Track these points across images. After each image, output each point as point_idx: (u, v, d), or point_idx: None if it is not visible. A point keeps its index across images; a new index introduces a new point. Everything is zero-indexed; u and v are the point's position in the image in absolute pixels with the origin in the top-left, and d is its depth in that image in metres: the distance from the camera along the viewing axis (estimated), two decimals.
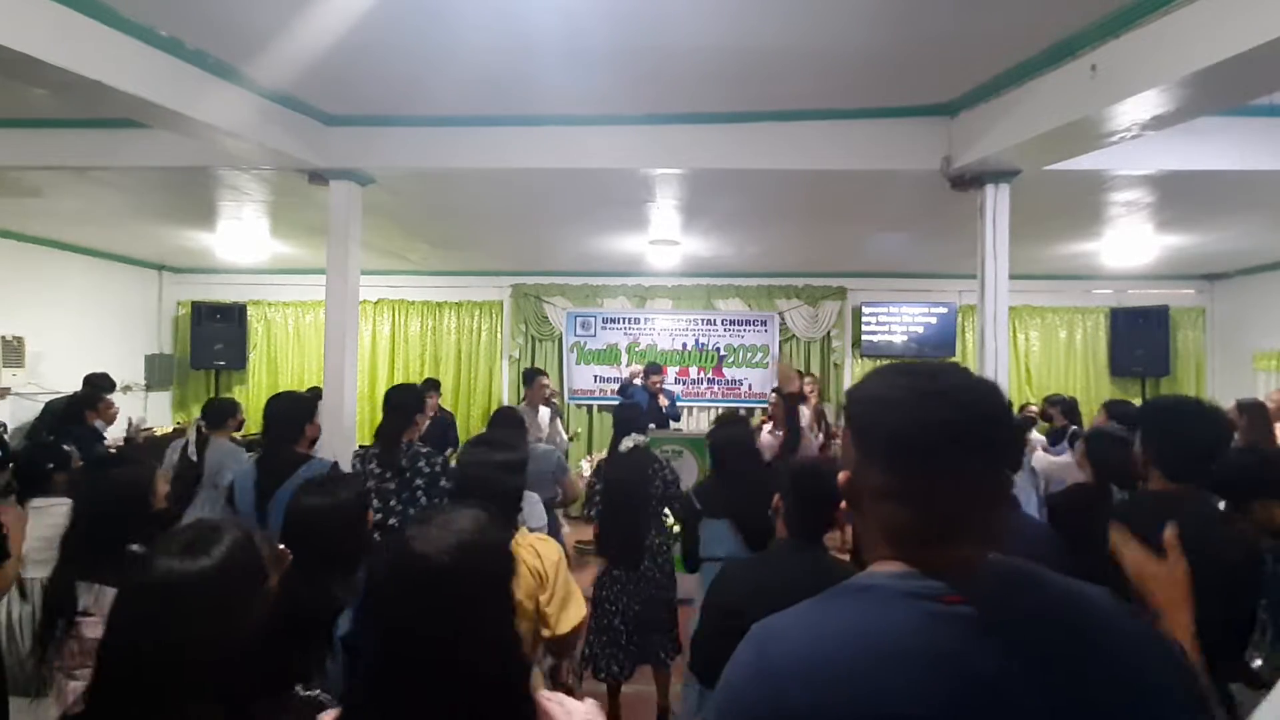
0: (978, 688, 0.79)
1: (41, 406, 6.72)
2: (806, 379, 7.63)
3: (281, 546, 1.53)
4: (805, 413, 7.04)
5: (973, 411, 0.85)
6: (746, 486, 3.03)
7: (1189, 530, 1.92)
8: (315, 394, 6.24)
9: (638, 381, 7.21)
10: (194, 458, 4.37)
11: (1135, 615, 0.88)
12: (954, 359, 8.45)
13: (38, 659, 2.81)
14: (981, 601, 0.82)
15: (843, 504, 0.95)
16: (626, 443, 3.90)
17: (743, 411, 6.94)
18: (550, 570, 2.09)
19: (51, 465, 3.35)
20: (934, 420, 0.84)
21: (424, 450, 3.35)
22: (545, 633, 2.09)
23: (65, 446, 3.54)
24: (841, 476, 0.93)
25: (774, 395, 5.79)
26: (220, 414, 4.54)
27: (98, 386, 5.84)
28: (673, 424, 7.04)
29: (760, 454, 3.46)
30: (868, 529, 0.92)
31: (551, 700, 1.20)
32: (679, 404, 7.56)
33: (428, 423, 3.46)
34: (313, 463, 3.07)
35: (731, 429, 3.44)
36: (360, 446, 3.95)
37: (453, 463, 5.28)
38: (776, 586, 1.90)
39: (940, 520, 0.86)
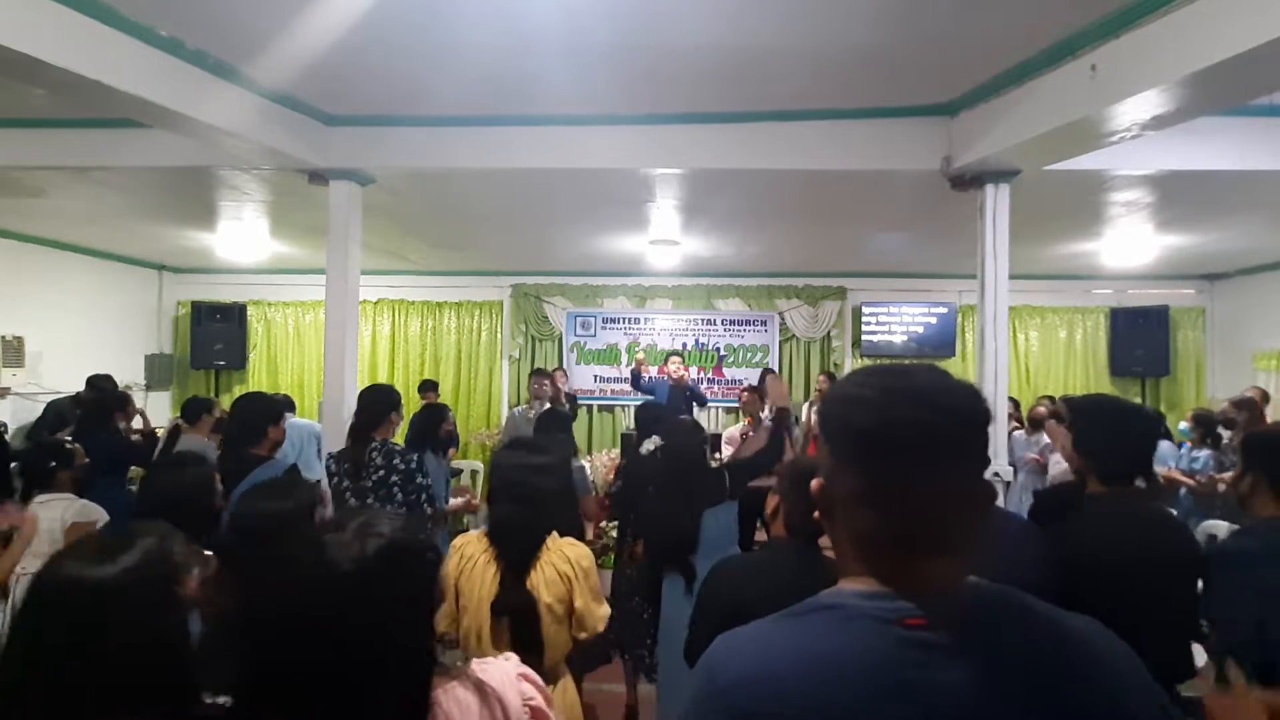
0: (936, 717, 0.76)
1: (41, 406, 6.72)
2: (820, 377, 7.73)
3: (208, 553, 1.51)
4: (813, 413, 7.09)
5: (947, 412, 0.82)
6: (657, 498, 3.17)
7: (1123, 534, 1.88)
8: (283, 398, 6.24)
9: (650, 372, 7.16)
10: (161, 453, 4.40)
11: (1119, 641, 0.84)
12: (954, 359, 8.47)
13: None
14: (950, 627, 0.79)
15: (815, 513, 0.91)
16: (647, 445, 3.90)
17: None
18: (579, 573, 2.08)
19: (54, 463, 3.35)
20: (904, 419, 0.81)
21: (398, 448, 3.37)
22: (582, 635, 2.08)
23: (69, 444, 3.54)
24: (814, 484, 0.90)
25: (746, 394, 5.83)
26: (195, 410, 4.56)
27: (104, 390, 5.84)
28: (697, 408, 6.95)
29: (706, 465, 3.53)
30: (840, 540, 0.89)
31: (484, 662, 1.21)
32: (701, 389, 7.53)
33: (401, 421, 3.49)
34: (269, 464, 3.03)
35: (687, 436, 3.45)
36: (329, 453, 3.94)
37: (452, 463, 5.24)
38: (780, 585, 1.93)
39: (912, 527, 0.82)
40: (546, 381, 6.49)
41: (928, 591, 0.81)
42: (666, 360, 7.07)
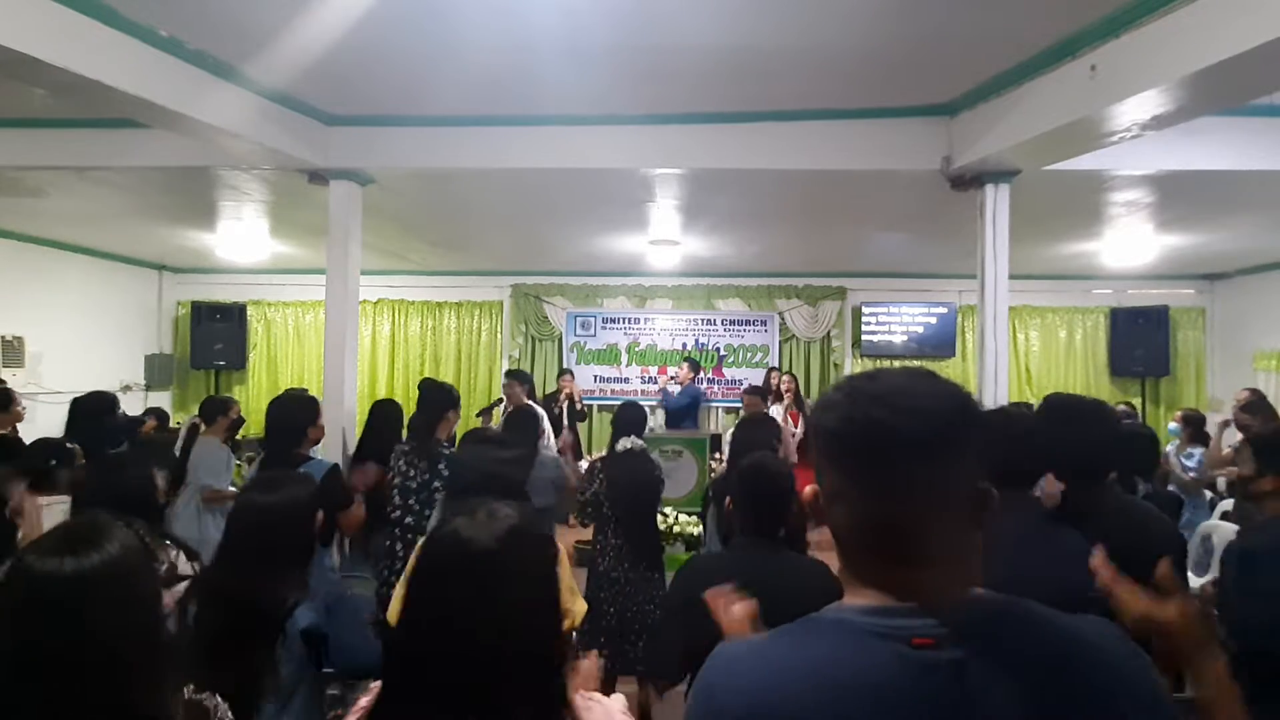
0: None
1: (41, 406, 6.73)
2: (784, 377, 7.61)
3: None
4: (778, 409, 7.05)
5: (907, 414, 0.80)
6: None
7: (1114, 525, 1.90)
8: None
9: (673, 388, 7.33)
10: (178, 454, 4.39)
11: (1132, 648, 0.82)
12: (954, 359, 8.46)
13: None
14: (956, 646, 0.77)
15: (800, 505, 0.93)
16: (624, 443, 3.89)
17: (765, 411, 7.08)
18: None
19: (55, 461, 3.33)
20: (861, 419, 0.81)
21: (447, 451, 3.37)
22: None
23: (69, 444, 3.53)
24: (807, 491, 0.91)
25: (745, 396, 5.89)
26: (212, 410, 4.56)
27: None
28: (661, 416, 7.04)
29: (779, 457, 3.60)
30: (836, 548, 0.88)
31: (590, 698, 1.20)
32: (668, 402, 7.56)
33: (459, 420, 3.50)
34: (311, 464, 3.09)
35: (756, 430, 3.57)
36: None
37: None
38: (739, 584, 1.95)
39: (880, 529, 0.81)
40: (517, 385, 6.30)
41: (928, 605, 0.79)
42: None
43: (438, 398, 3.45)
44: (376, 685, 1.20)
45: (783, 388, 7.25)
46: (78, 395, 4.71)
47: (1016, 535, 1.01)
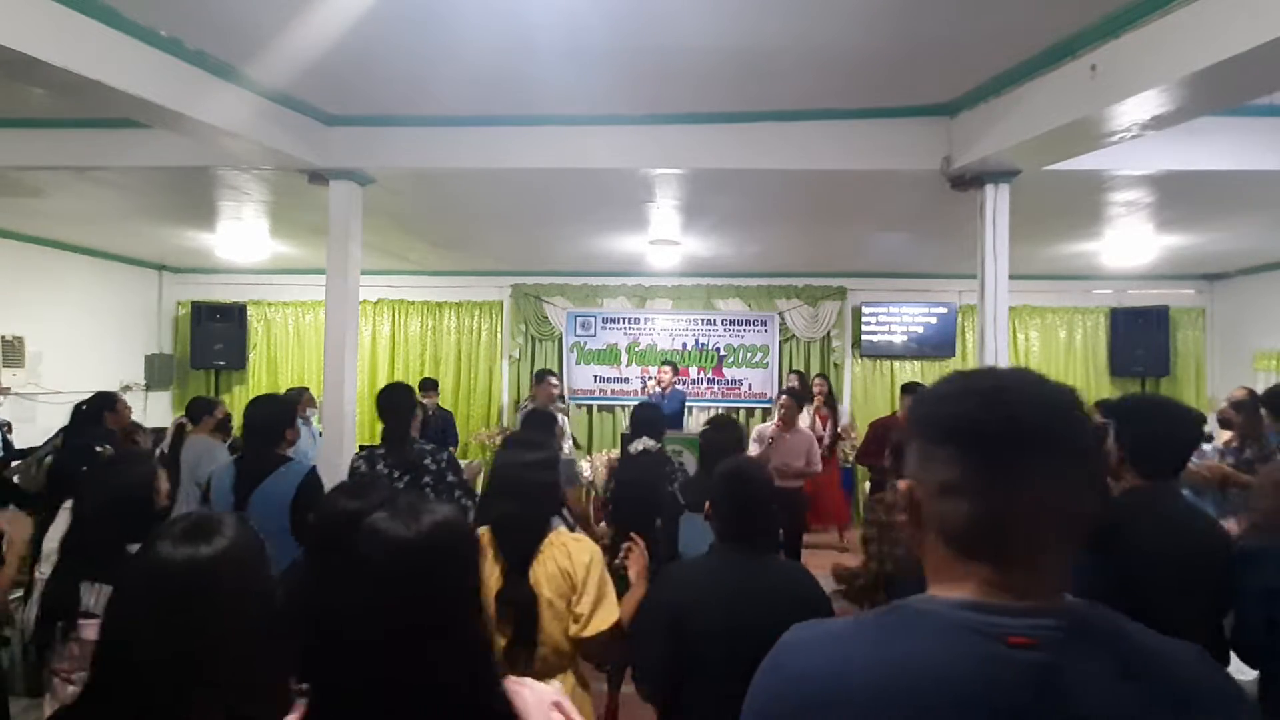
0: None
1: (41, 406, 6.73)
2: (815, 380, 7.68)
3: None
4: (806, 414, 7.04)
5: (1034, 406, 0.79)
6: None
7: (1163, 527, 1.92)
8: (295, 393, 6.26)
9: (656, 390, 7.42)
10: (165, 451, 4.40)
11: (1224, 675, 0.81)
12: (954, 359, 8.46)
13: (34, 661, 2.81)
14: (1052, 648, 0.75)
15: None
16: (637, 444, 3.93)
17: (733, 415, 7.15)
18: (580, 571, 2.08)
19: (85, 468, 3.31)
20: (980, 410, 0.80)
21: (428, 447, 3.40)
22: (573, 629, 2.08)
23: (98, 448, 3.52)
24: (902, 485, 0.88)
25: (783, 398, 5.86)
26: (198, 410, 4.57)
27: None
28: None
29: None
30: (928, 542, 0.85)
31: (521, 683, 1.22)
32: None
33: (422, 418, 3.55)
34: (290, 465, 3.07)
35: (722, 432, 3.59)
36: (360, 447, 3.97)
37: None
38: (716, 591, 1.95)
39: (1002, 527, 0.78)
40: (556, 380, 6.57)
41: (1024, 605, 0.77)
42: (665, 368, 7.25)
43: (403, 401, 3.50)
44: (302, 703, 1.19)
45: (814, 389, 7.45)
46: (80, 398, 4.71)
47: None
